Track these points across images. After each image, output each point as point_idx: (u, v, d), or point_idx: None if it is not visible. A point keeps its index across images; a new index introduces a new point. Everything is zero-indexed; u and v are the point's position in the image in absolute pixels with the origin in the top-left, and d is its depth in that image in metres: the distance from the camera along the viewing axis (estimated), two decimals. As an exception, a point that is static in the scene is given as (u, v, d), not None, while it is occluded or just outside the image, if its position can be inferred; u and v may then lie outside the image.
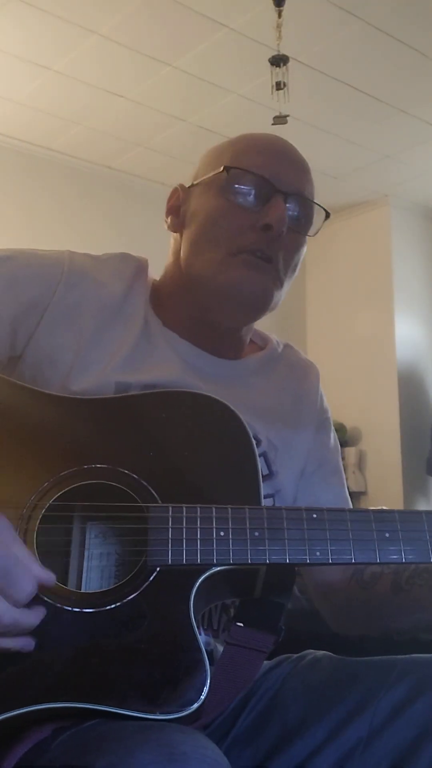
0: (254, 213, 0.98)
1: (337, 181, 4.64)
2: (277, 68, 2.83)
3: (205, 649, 0.88)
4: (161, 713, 0.71)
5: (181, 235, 1.05)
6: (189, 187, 1.06)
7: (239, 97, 3.64)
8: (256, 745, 0.93)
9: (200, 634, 0.89)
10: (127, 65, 3.39)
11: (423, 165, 4.47)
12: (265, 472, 1.00)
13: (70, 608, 0.76)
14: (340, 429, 4.84)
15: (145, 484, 0.82)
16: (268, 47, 2.99)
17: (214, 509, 0.80)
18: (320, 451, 1.10)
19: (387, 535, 0.81)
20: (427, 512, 0.83)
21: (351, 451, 4.79)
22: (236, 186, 0.99)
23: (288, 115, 2.89)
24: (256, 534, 0.79)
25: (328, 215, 1.05)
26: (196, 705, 0.72)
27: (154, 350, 1.00)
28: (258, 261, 0.98)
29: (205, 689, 0.72)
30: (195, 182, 1.05)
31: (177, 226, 1.06)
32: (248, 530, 0.79)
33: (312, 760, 0.89)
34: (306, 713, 0.92)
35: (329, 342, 5.07)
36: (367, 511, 0.83)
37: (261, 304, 1.00)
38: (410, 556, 0.81)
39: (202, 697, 0.72)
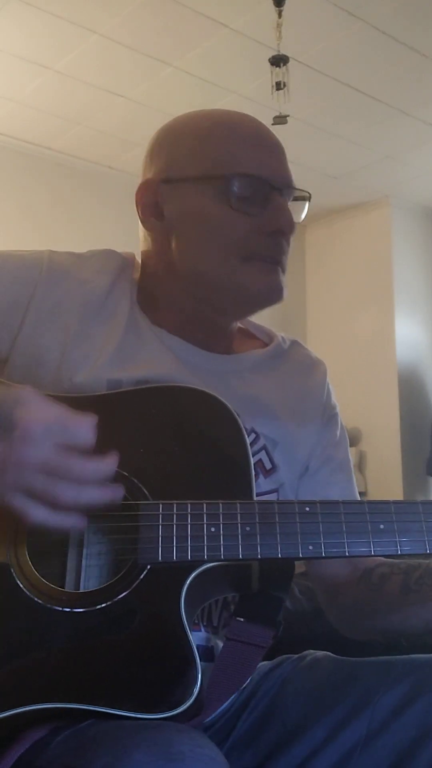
0: (258, 216, 0.97)
1: (338, 182, 4.64)
2: (277, 68, 2.83)
3: (206, 646, 0.88)
4: (155, 712, 0.71)
5: (167, 235, 1.01)
6: (168, 182, 1.01)
7: (239, 97, 3.64)
8: (256, 746, 0.93)
9: (200, 630, 0.90)
10: (127, 65, 3.39)
11: (424, 165, 4.47)
12: (269, 466, 1.00)
13: (61, 608, 0.76)
14: (340, 429, 4.83)
15: (135, 481, 0.81)
16: (268, 47, 2.98)
17: (204, 505, 0.80)
18: (326, 448, 1.09)
19: (382, 526, 0.80)
20: (423, 502, 0.82)
21: (351, 451, 4.77)
22: (236, 191, 0.96)
23: (288, 115, 2.88)
24: (248, 529, 0.79)
25: (309, 197, 1.05)
26: (188, 702, 0.72)
27: (144, 346, 0.99)
28: (272, 267, 0.98)
29: (197, 685, 0.72)
30: (176, 177, 1.00)
31: (161, 227, 1.01)
32: (239, 525, 0.79)
33: (312, 761, 0.89)
34: (306, 714, 0.92)
35: (329, 342, 5.06)
36: (362, 502, 0.83)
37: (275, 302, 1.01)
38: (406, 548, 0.80)
39: (194, 694, 0.72)
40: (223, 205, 0.96)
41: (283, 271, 1.00)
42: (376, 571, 0.98)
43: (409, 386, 4.79)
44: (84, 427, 0.73)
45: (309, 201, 1.04)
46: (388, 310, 4.83)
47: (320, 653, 1.02)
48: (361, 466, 4.82)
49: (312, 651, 1.03)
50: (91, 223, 4.26)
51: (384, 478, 4.71)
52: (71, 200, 4.31)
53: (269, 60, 2.86)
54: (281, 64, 2.82)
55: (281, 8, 2.80)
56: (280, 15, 2.81)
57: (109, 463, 0.74)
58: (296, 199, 1.03)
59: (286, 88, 2.80)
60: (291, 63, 2.87)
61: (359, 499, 1.08)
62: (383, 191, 4.82)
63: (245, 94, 3.61)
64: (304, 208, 1.04)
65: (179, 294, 1.02)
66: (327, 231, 5.25)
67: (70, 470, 0.71)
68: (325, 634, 1.88)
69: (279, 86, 2.80)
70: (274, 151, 1.01)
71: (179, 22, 3.09)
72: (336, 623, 1.09)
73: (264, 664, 1.03)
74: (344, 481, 1.09)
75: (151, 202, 1.02)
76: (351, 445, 4.78)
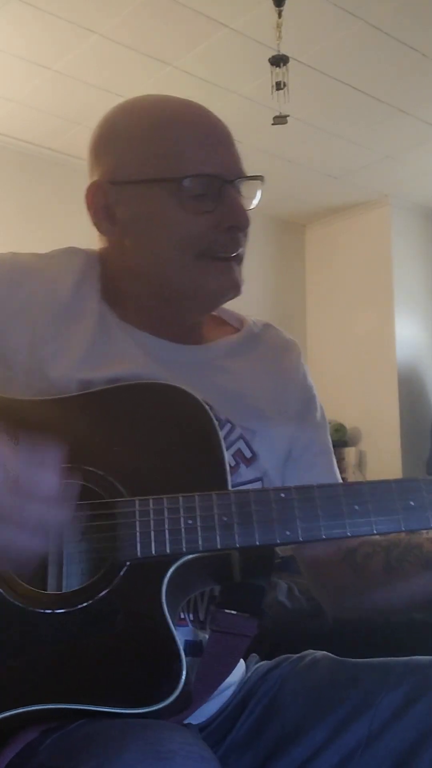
0: (212, 212, 0.96)
1: (337, 181, 4.64)
2: (277, 68, 2.83)
3: (194, 640, 0.88)
4: (142, 707, 0.71)
5: (122, 237, 1.00)
6: (116, 183, 0.99)
7: (239, 97, 3.64)
8: (256, 747, 0.93)
9: (187, 625, 0.90)
10: (127, 65, 3.39)
11: (423, 165, 4.47)
12: (249, 455, 0.99)
13: (42, 610, 0.76)
14: (340, 429, 4.83)
15: (111, 479, 0.82)
16: (268, 47, 2.99)
17: (181, 498, 0.80)
18: (306, 432, 1.08)
19: (357, 507, 0.81)
20: (396, 481, 0.83)
21: (351, 451, 4.79)
22: (188, 192, 0.95)
23: (288, 115, 2.89)
24: (225, 519, 0.79)
25: (262, 179, 1.02)
26: (175, 694, 0.72)
27: (114, 344, 0.98)
28: (227, 264, 0.98)
29: (182, 677, 0.73)
30: (125, 179, 0.98)
31: (115, 230, 1.00)
32: (216, 516, 0.80)
33: (312, 763, 0.89)
34: (305, 715, 0.92)
35: (329, 342, 5.07)
36: (336, 485, 0.84)
37: (232, 297, 1.00)
38: (381, 527, 0.81)
39: (180, 685, 0.72)
40: (175, 206, 0.95)
41: (239, 263, 1.00)
42: (359, 551, 0.99)
43: (409, 386, 4.79)
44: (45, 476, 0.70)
45: (263, 182, 1.02)
46: (387, 309, 4.82)
47: (319, 653, 1.02)
48: (361, 466, 4.82)
49: (311, 651, 1.03)
50: (91, 222, 4.26)
51: (384, 477, 4.69)
52: (70, 200, 4.30)
53: (269, 60, 2.86)
54: (281, 64, 2.83)
55: (281, 8, 2.80)
56: (280, 15, 2.81)
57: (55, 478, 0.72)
58: (250, 179, 1.01)
59: (286, 88, 2.81)
60: (291, 63, 2.88)
61: (341, 481, 1.09)
62: (383, 191, 4.82)
63: (245, 94, 3.61)
64: (257, 192, 1.02)
65: (142, 293, 1.01)
66: (327, 231, 5.25)
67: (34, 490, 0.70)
68: (325, 634, 1.88)
69: (279, 86, 2.81)
70: (222, 143, 0.99)
71: (179, 22, 3.09)
72: (322, 602, 1.10)
73: (263, 665, 1.03)
74: (327, 464, 1.09)
75: (102, 205, 1.00)
76: (351, 445, 4.81)
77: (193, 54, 3.32)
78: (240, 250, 0.99)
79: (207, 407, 0.86)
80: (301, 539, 0.80)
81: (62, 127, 3.99)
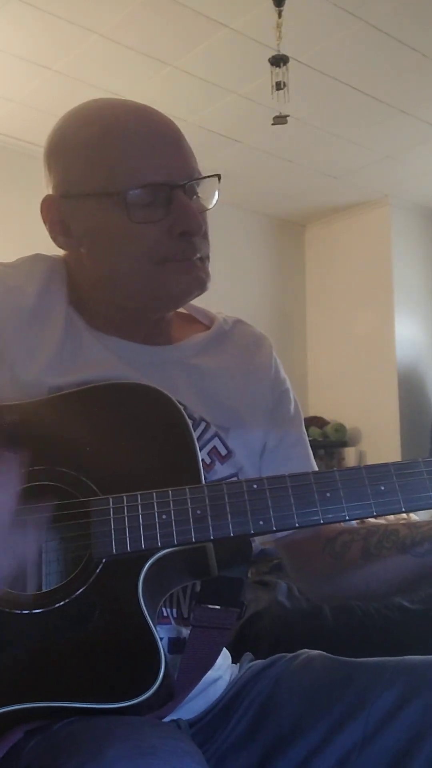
0: (163, 220, 0.94)
1: (337, 181, 4.64)
2: (277, 68, 2.83)
3: (177, 638, 0.90)
4: (122, 701, 0.72)
5: (78, 249, 0.99)
6: (67, 197, 0.98)
7: (239, 97, 3.64)
8: (251, 748, 0.93)
9: (170, 623, 0.90)
10: (127, 65, 3.39)
11: (423, 165, 4.47)
12: (224, 452, 1.00)
13: (19, 611, 0.77)
14: (340, 429, 4.84)
15: (84, 479, 0.82)
16: (268, 47, 2.99)
17: (154, 494, 0.81)
18: (280, 425, 1.09)
19: (328, 494, 0.82)
20: (366, 467, 0.84)
21: (351, 451, 4.79)
22: (136, 203, 0.93)
23: (288, 115, 2.89)
24: (198, 512, 0.80)
25: (219, 178, 1.00)
26: (154, 686, 0.72)
27: (83, 349, 0.98)
28: (190, 262, 0.97)
29: (161, 670, 0.73)
30: (75, 193, 0.98)
31: (71, 243, 1.00)
32: (190, 509, 0.80)
33: (309, 763, 0.89)
34: (301, 715, 0.92)
35: (329, 342, 5.07)
36: (307, 474, 0.84)
37: (198, 294, 1.00)
38: (354, 512, 0.82)
39: (159, 678, 0.73)
40: (124, 218, 0.94)
41: (203, 262, 0.98)
42: (338, 539, 1.00)
43: (409, 386, 4.79)
44: None
45: (219, 180, 1.01)
46: (387, 309, 4.83)
47: (314, 652, 1.02)
48: (360, 466, 4.82)
49: (306, 650, 1.03)
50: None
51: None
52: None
53: (269, 60, 2.86)
54: (281, 64, 2.83)
55: (281, 8, 2.80)
56: (280, 15, 2.81)
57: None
58: (202, 179, 0.99)
59: (286, 88, 2.81)
60: (291, 63, 2.88)
61: (315, 469, 1.09)
62: (383, 191, 4.83)
63: (245, 94, 3.62)
64: (214, 192, 1.01)
65: (104, 300, 1.01)
66: (326, 231, 5.25)
67: None
68: (324, 634, 1.88)
69: (279, 86, 2.81)
70: (170, 147, 0.97)
71: (179, 22, 3.09)
72: (303, 588, 1.12)
73: (256, 663, 1.04)
74: (303, 456, 1.10)
75: (57, 219, 1.00)
76: (351, 445, 4.81)
77: (193, 54, 3.32)
78: (199, 254, 0.97)
79: (179, 405, 0.87)
80: (274, 528, 0.81)
81: (62, 127, 3.99)
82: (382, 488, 0.82)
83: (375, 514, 0.82)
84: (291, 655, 1.03)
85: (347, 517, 0.82)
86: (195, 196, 0.99)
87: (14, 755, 0.70)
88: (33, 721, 0.73)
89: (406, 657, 0.95)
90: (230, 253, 4.67)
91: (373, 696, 0.90)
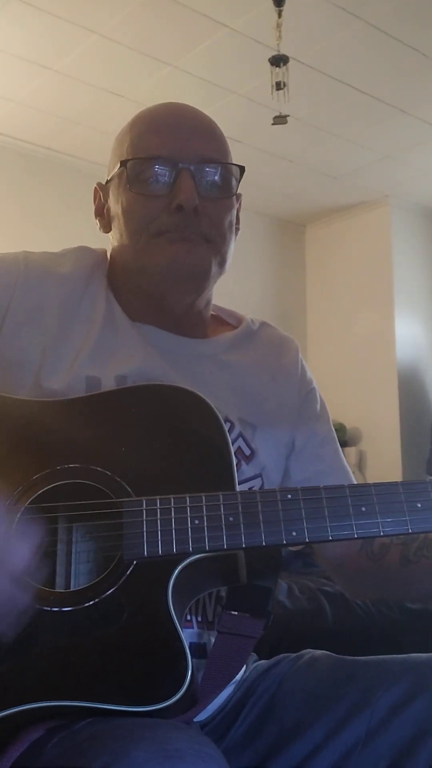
0: (166, 196, 0.98)
1: (337, 181, 4.64)
2: (277, 68, 2.83)
3: (198, 642, 0.89)
4: (147, 705, 0.71)
5: (114, 234, 1.06)
6: (105, 184, 1.08)
7: (239, 97, 3.64)
8: (255, 746, 0.93)
9: (192, 627, 0.90)
10: (127, 65, 3.39)
11: (423, 165, 4.47)
12: (247, 452, 1.00)
13: (49, 608, 0.77)
14: (340, 429, 4.84)
15: (118, 479, 0.82)
16: (268, 47, 2.99)
17: (187, 498, 0.80)
18: (308, 424, 1.09)
19: (363, 509, 0.81)
20: (403, 483, 0.83)
21: (351, 451, 4.79)
22: (139, 176, 0.99)
23: (288, 115, 2.89)
24: (231, 519, 0.80)
25: (242, 170, 1.03)
26: (180, 693, 0.72)
27: (121, 340, 1.00)
28: (180, 237, 0.98)
29: (188, 676, 0.73)
30: (108, 178, 1.07)
31: (106, 227, 1.08)
32: (223, 516, 0.80)
33: (312, 760, 0.89)
34: (304, 713, 0.93)
35: (329, 342, 5.07)
36: (343, 487, 0.84)
37: (199, 272, 1.00)
38: (388, 528, 0.81)
39: (185, 685, 0.73)
40: (127, 191, 1.00)
41: (203, 241, 0.99)
42: (376, 542, 1.00)
43: (409, 386, 4.79)
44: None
45: (242, 172, 1.03)
46: (387, 310, 4.83)
47: (318, 652, 1.02)
48: (361, 466, 4.82)
49: (310, 650, 1.03)
50: (92, 222, 4.25)
51: (384, 478, 4.67)
52: (71, 200, 4.31)
53: (269, 60, 2.86)
54: (281, 64, 2.83)
55: (281, 8, 2.80)
56: (280, 15, 2.81)
57: None
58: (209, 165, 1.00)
59: (286, 88, 2.81)
60: (291, 63, 2.88)
61: (348, 469, 1.10)
62: (383, 191, 4.82)
63: (245, 94, 3.61)
64: (236, 177, 1.02)
65: (133, 283, 1.04)
66: (326, 231, 5.25)
67: None
68: (325, 633, 1.88)
69: (279, 86, 2.81)
70: (181, 130, 1.01)
71: (179, 22, 3.09)
72: (344, 590, 1.13)
73: (261, 663, 1.04)
74: (331, 454, 1.10)
75: (100, 206, 1.10)
76: (351, 445, 4.81)
77: (193, 54, 3.32)
78: (192, 231, 0.98)
79: (215, 409, 0.87)
80: (307, 540, 0.80)
81: (62, 127, 3.99)
82: (419, 505, 0.82)
83: (410, 531, 0.82)
84: (295, 654, 1.03)
85: (381, 533, 0.81)
86: (208, 180, 0.99)
87: (35, 752, 0.70)
88: (55, 719, 0.72)
89: (410, 655, 0.95)
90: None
91: (377, 693, 0.90)
